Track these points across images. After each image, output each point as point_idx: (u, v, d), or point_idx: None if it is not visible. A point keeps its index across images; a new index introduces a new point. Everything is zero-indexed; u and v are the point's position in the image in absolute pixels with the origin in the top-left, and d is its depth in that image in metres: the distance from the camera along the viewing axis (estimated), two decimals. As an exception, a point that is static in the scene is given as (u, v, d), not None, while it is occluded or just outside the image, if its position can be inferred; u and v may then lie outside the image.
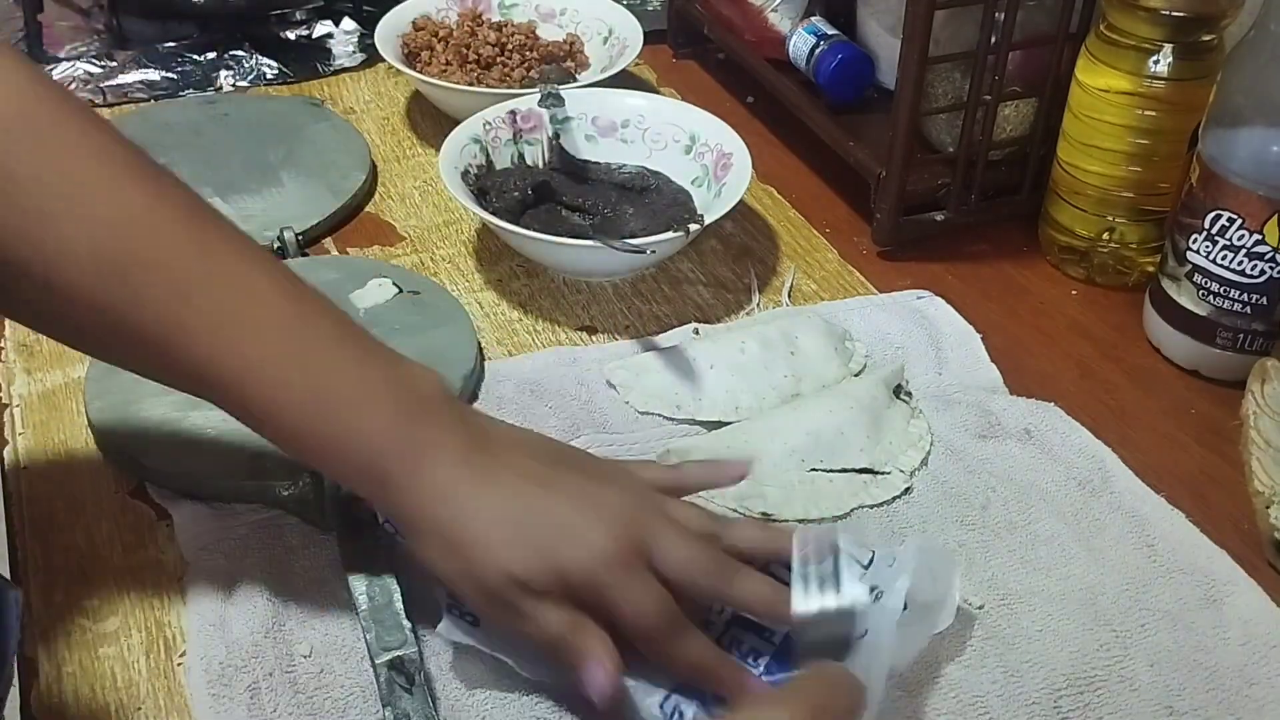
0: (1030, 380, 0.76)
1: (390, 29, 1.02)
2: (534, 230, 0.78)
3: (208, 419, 0.68)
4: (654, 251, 0.76)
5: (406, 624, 0.57)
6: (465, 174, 0.83)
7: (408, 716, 0.53)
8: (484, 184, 0.85)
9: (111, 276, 0.50)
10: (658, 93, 1.03)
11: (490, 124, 0.87)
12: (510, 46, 1.03)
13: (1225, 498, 0.67)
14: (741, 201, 0.82)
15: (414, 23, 1.04)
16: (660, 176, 0.88)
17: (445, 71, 1.00)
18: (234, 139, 0.95)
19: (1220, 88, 0.71)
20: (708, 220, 0.78)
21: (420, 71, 0.98)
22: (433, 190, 0.93)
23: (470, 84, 0.98)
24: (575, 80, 0.98)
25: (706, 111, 0.89)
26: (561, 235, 0.79)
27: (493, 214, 0.80)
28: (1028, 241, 0.88)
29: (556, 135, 0.89)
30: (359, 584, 0.59)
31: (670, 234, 0.77)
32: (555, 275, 0.84)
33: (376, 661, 0.55)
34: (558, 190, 0.86)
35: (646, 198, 0.86)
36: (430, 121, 1.00)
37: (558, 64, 1.01)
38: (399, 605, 0.58)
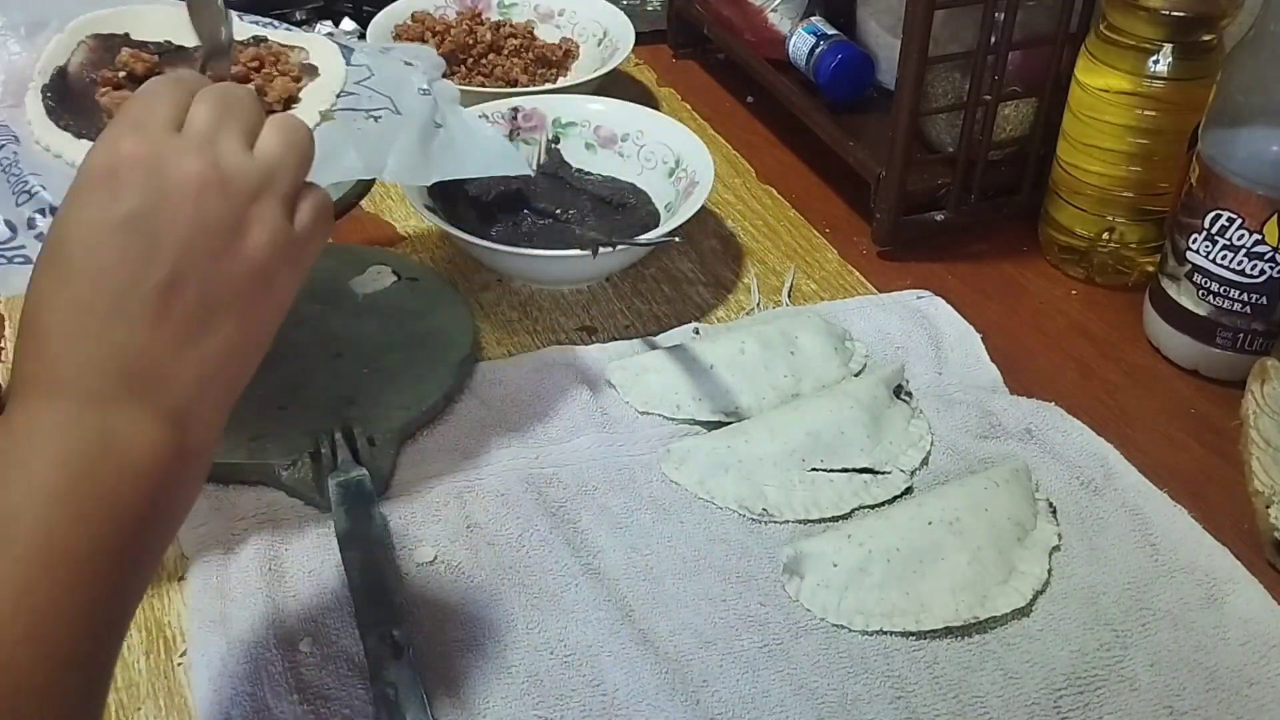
0: (1030, 380, 0.76)
1: (382, 27, 1.02)
2: (495, 233, 0.80)
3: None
4: (599, 253, 0.74)
5: (396, 600, 0.58)
6: None
7: (395, 688, 0.54)
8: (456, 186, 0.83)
9: None
10: (657, 93, 1.03)
11: (488, 117, 0.87)
12: (508, 48, 1.03)
13: (1225, 498, 0.67)
14: (704, 212, 0.82)
15: (413, 15, 1.05)
16: (642, 195, 0.87)
17: (444, 71, 1.00)
18: None
19: (1220, 88, 0.71)
20: (617, 246, 0.76)
21: (419, 71, 0.98)
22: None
23: (468, 83, 0.98)
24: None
25: (696, 136, 0.87)
26: (516, 242, 0.80)
27: (461, 217, 0.81)
28: (1028, 241, 0.88)
29: (556, 139, 0.89)
30: (352, 563, 0.60)
31: (575, 251, 0.77)
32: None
33: (366, 639, 0.56)
34: (531, 196, 0.85)
35: (618, 214, 0.85)
36: (430, 121, 1.00)
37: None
38: (390, 583, 0.59)
